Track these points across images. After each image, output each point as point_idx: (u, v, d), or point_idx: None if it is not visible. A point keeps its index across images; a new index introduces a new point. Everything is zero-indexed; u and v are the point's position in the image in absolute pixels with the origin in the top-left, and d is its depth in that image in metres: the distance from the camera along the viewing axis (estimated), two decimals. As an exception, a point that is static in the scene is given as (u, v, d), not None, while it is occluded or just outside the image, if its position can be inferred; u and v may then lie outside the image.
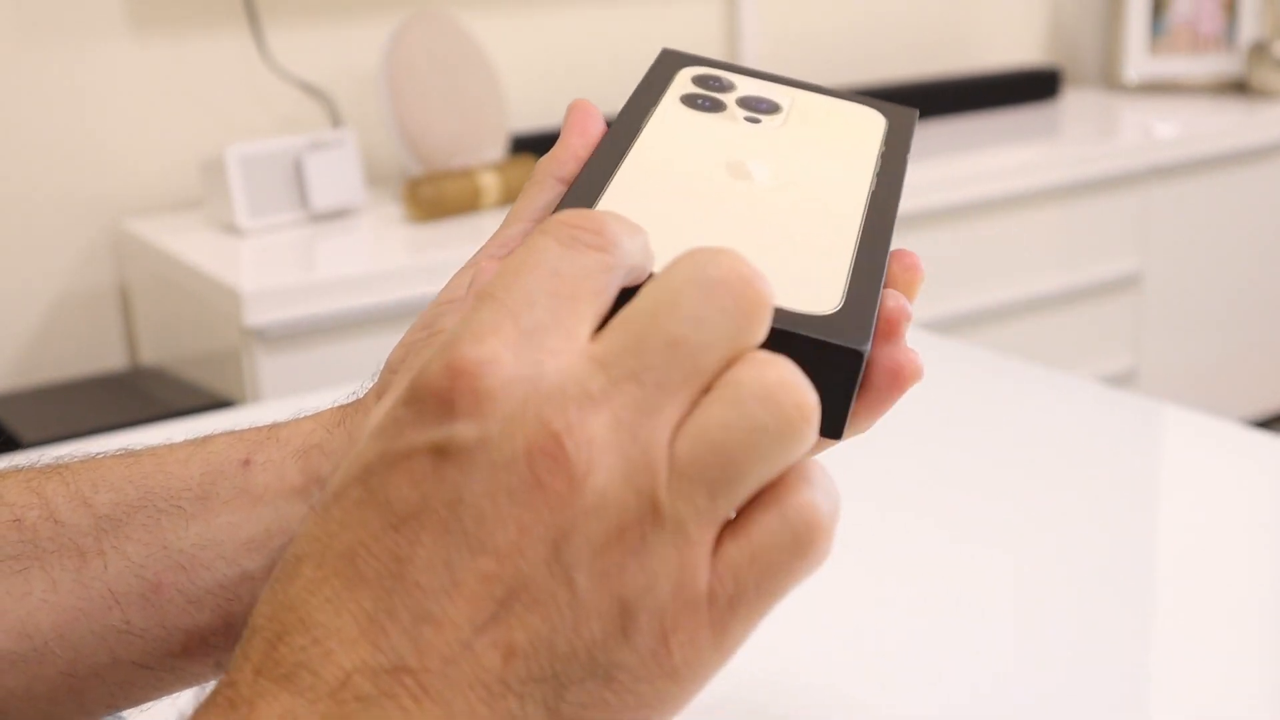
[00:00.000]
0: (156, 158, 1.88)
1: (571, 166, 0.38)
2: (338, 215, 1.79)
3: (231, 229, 1.72)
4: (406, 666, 0.28)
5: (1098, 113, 2.47)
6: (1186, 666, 0.66)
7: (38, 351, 1.84)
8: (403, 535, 0.28)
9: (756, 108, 0.42)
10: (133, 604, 0.40)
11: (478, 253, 0.40)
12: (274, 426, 0.42)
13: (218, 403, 1.53)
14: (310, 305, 1.52)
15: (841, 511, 0.30)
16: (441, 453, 0.28)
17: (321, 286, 1.54)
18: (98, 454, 0.44)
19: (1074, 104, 2.50)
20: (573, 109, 0.39)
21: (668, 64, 0.44)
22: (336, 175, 1.76)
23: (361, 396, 0.42)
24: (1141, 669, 0.66)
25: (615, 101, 1.95)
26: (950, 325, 2.01)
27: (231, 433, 0.43)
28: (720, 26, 2.28)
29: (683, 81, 0.43)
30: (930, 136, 2.24)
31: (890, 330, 0.35)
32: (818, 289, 0.33)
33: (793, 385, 0.28)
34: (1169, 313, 2.28)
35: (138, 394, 1.67)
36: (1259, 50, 2.48)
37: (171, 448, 0.43)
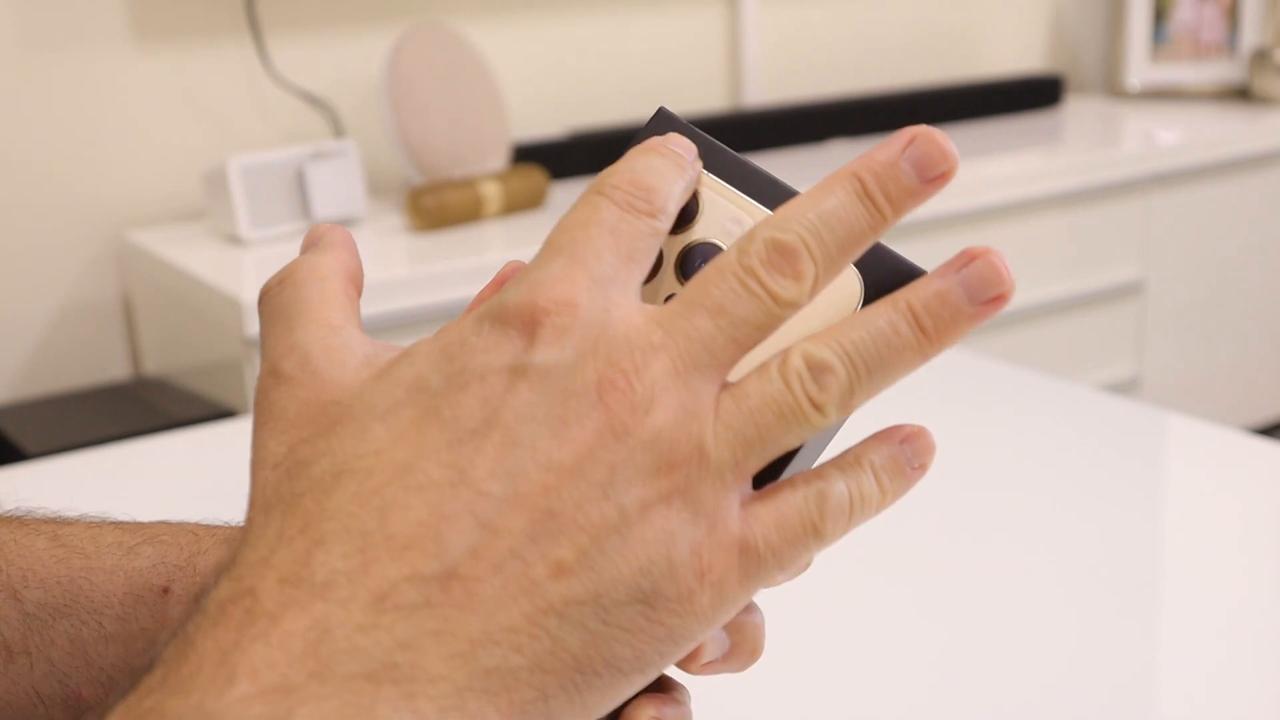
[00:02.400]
0: (159, 169, 1.88)
1: None
2: (340, 225, 1.78)
3: (234, 240, 1.73)
4: (458, 573, 0.29)
5: (1100, 120, 2.47)
6: (1189, 674, 0.66)
7: (41, 362, 1.85)
8: (468, 446, 0.30)
9: (694, 271, 0.35)
10: (55, 706, 0.42)
11: None
12: (195, 551, 0.43)
13: (220, 413, 1.53)
14: (313, 315, 1.52)
15: (866, 508, 0.33)
16: (520, 373, 0.30)
17: (324, 297, 1.54)
18: (31, 521, 0.45)
19: (1076, 111, 2.51)
20: (496, 278, 0.37)
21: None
22: (338, 186, 1.76)
23: None
24: (1144, 677, 0.66)
25: (614, 111, 1.95)
26: (953, 333, 2.01)
27: (158, 544, 0.44)
28: (722, 36, 2.28)
29: None
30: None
31: None
32: None
33: (808, 379, 0.31)
34: (1172, 320, 2.28)
35: (140, 404, 1.67)
36: (1261, 57, 2.48)
37: (99, 548, 0.44)
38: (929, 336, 0.32)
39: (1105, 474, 0.88)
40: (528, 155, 1.93)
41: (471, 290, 1.52)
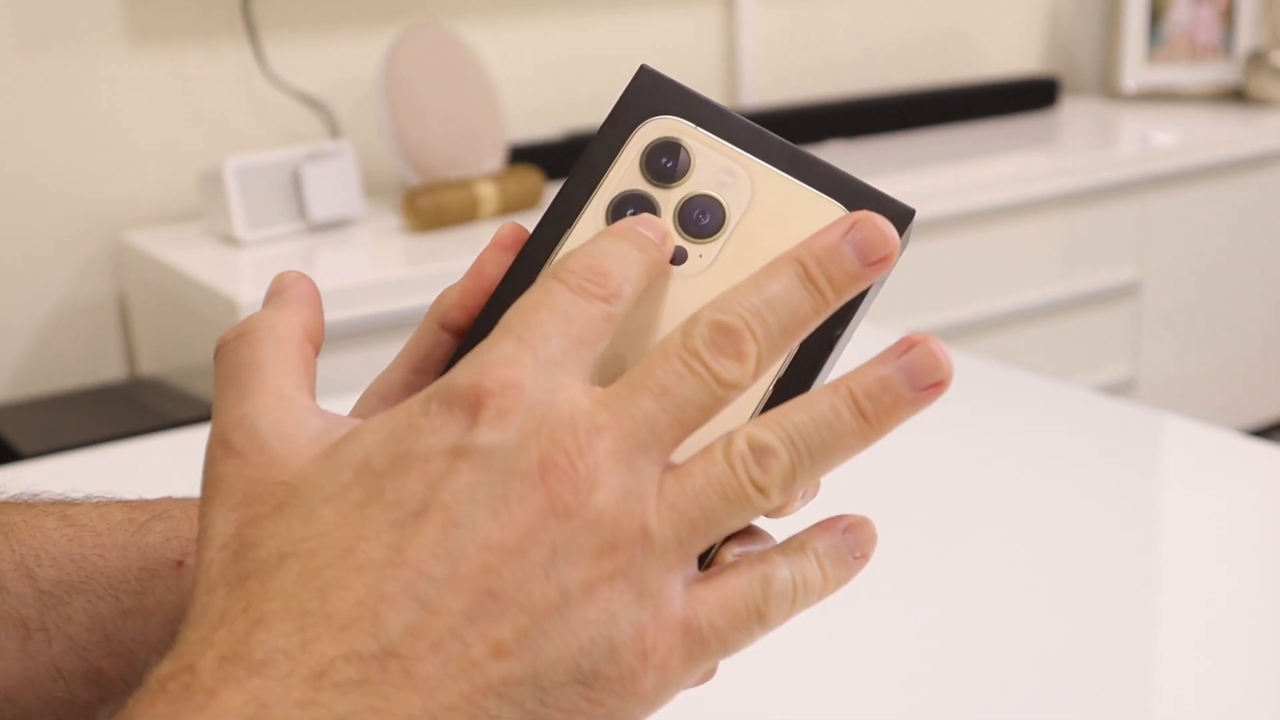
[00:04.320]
0: (155, 169, 1.88)
1: (456, 314, 0.38)
2: (336, 226, 1.79)
3: (230, 240, 1.72)
4: (396, 652, 0.29)
5: (1096, 122, 2.47)
6: (1186, 676, 0.66)
7: (37, 362, 1.84)
8: (410, 529, 0.30)
9: (694, 224, 0.37)
10: (76, 681, 0.42)
11: (358, 402, 0.39)
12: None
13: (216, 414, 1.53)
14: (309, 316, 1.52)
15: (810, 594, 0.33)
16: (462, 454, 0.30)
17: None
18: (38, 504, 0.45)
19: (1072, 113, 2.51)
20: (492, 240, 0.38)
21: (638, 103, 0.38)
22: (335, 186, 1.76)
23: None
24: (1138, 678, 0.66)
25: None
26: (948, 334, 2.01)
27: (168, 520, 0.44)
28: (719, 37, 2.28)
29: (632, 158, 0.37)
30: (929, 145, 2.25)
31: None
32: None
33: (750, 462, 0.32)
34: (1167, 322, 2.28)
35: (136, 405, 1.67)
36: (1256, 59, 2.49)
37: (110, 525, 0.44)
38: (870, 422, 0.32)
39: (1101, 475, 0.88)
40: (524, 156, 1.93)
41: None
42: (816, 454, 0.32)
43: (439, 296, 0.39)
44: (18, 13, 1.76)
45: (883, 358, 0.33)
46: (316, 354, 0.35)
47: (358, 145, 1.91)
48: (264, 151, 1.77)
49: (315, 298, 0.36)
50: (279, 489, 0.31)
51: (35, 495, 0.47)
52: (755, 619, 0.32)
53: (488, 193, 1.77)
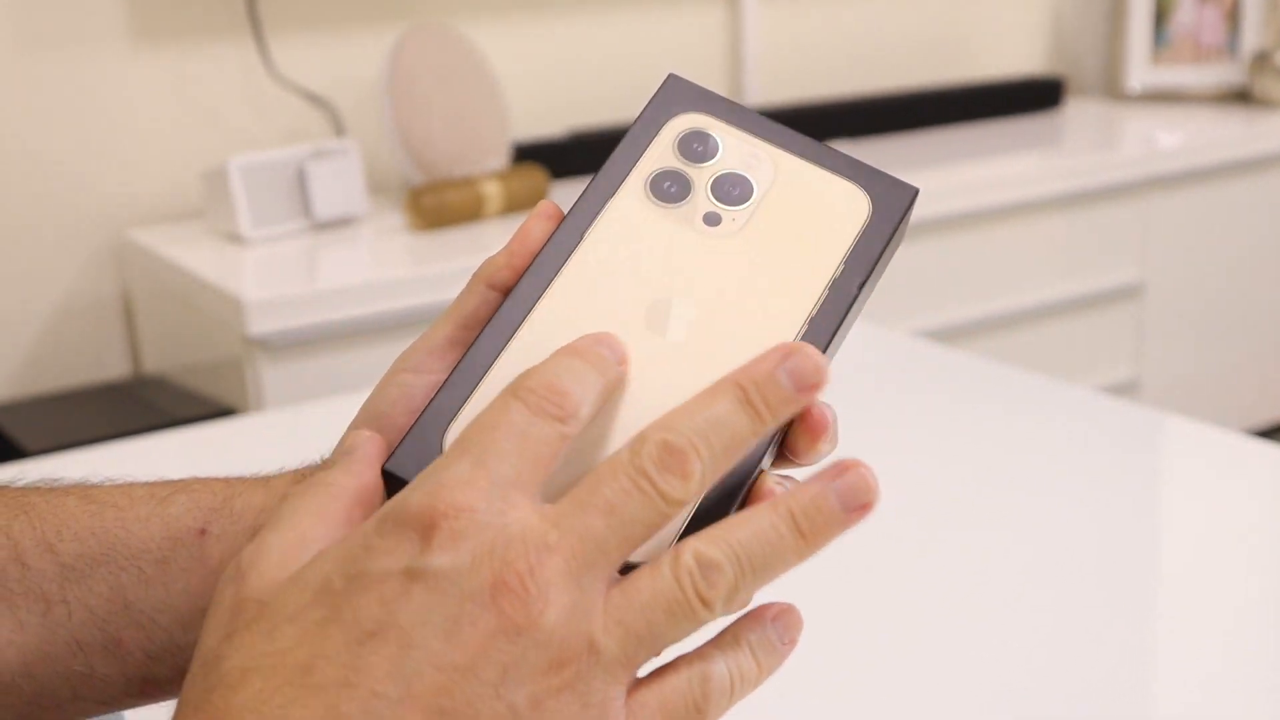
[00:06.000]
0: (159, 168, 1.88)
1: (505, 274, 0.40)
2: (340, 225, 1.79)
3: (234, 238, 1.73)
4: None
5: (1100, 122, 2.47)
6: (1187, 675, 0.66)
7: (41, 360, 1.85)
8: (365, 648, 0.31)
9: (727, 195, 0.41)
10: (95, 653, 0.43)
11: (402, 358, 0.42)
12: (229, 495, 0.45)
13: (220, 411, 1.53)
14: (312, 314, 1.52)
15: (746, 685, 0.35)
16: (415, 577, 0.32)
17: (324, 296, 1.54)
18: (60, 486, 0.46)
19: (1076, 114, 2.51)
20: (533, 212, 0.41)
21: (667, 103, 0.43)
22: (339, 185, 1.76)
23: (311, 473, 0.45)
24: (1143, 678, 0.66)
25: (614, 111, 1.95)
26: (951, 335, 2.01)
27: (190, 492, 0.45)
28: (722, 36, 2.28)
29: (665, 144, 0.42)
30: (933, 146, 2.24)
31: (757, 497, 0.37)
32: None
33: (698, 577, 0.33)
34: (1171, 323, 2.28)
35: (140, 403, 1.67)
36: (1261, 60, 2.49)
37: (132, 500, 0.45)
38: (806, 539, 0.34)
39: (1104, 476, 0.88)
40: (528, 155, 1.94)
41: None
42: (759, 569, 0.34)
43: (484, 263, 0.41)
44: (23, 12, 1.76)
45: (819, 479, 0.35)
46: (367, 516, 0.37)
47: (362, 143, 1.91)
48: (268, 150, 1.77)
49: (381, 458, 0.38)
50: (254, 605, 0.33)
51: (55, 480, 0.47)
52: (695, 715, 0.34)
53: (492, 191, 1.77)
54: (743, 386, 0.34)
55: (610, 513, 0.33)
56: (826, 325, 0.39)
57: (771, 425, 0.35)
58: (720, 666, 0.34)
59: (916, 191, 0.41)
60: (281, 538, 0.35)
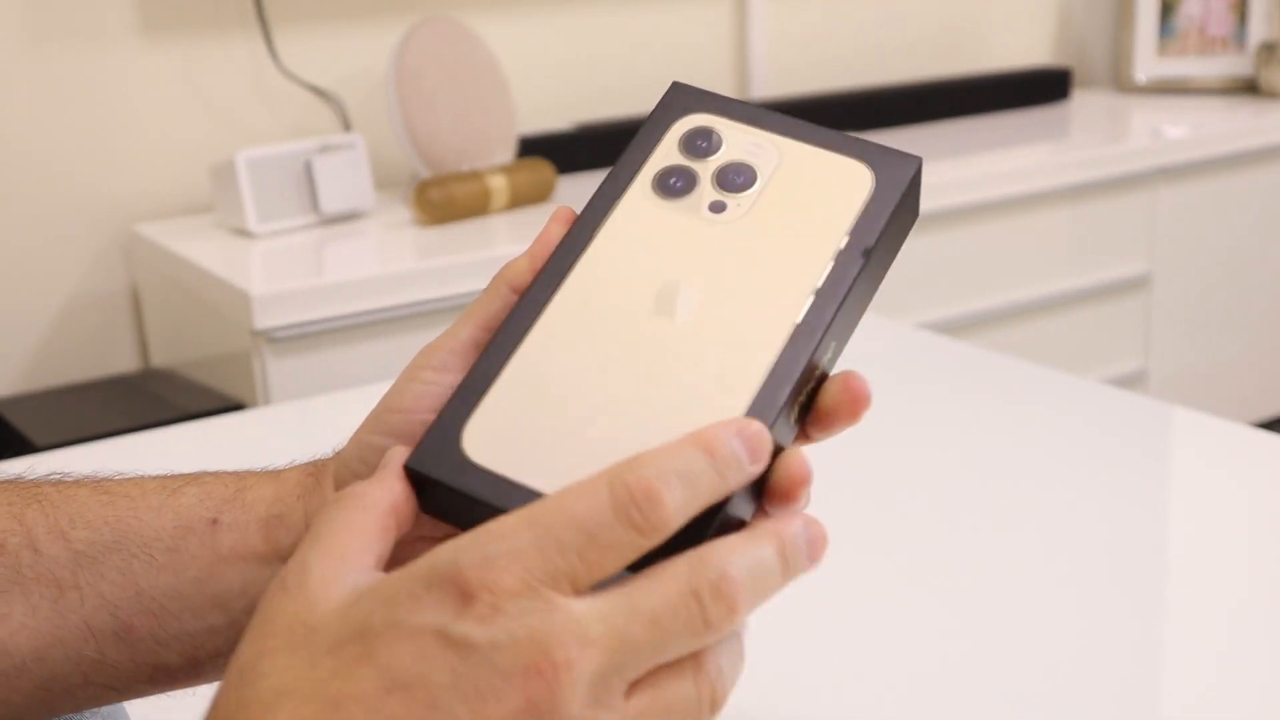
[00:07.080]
0: (167, 162, 1.88)
1: (526, 276, 0.41)
2: (347, 219, 1.79)
3: (242, 232, 1.73)
4: None
5: (1107, 114, 2.47)
6: (1194, 667, 0.66)
7: (49, 354, 1.85)
8: (394, 698, 0.32)
9: (731, 183, 0.42)
10: (106, 639, 0.44)
11: (423, 355, 0.42)
12: (240, 486, 0.46)
13: (228, 405, 1.54)
14: (320, 308, 1.52)
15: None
16: (450, 641, 0.33)
17: (331, 290, 1.54)
18: (71, 479, 0.47)
19: (1083, 105, 2.50)
20: (551, 216, 0.42)
21: (671, 107, 0.44)
22: (346, 179, 1.76)
23: (321, 467, 0.45)
24: (1149, 669, 0.66)
25: (621, 105, 1.94)
26: (959, 327, 2.01)
27: (201, 484, 0.46)
28: (729, 29, 2.28)
29: (672, 143, 0.43)
30: (940, 138, 2.24)
31: (783, 497, 0.38)
32: None
33: (723, 688, 0.35)
34: (1179, 314, 2.28)
35: (149, 396, 1.68)
36: (1268, 51, 2.48)
37: (144, 490, 0.46)
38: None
39: (1112, 468, 0.88)
40: (535, 149, 1.93)
41: (478, 285, 1.52)
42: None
43: (505, 266, 0.42)
44: (30, 6, 1.76)
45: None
46: (402, 526, 0.38)
47: (369, 138, 1.91)
48: (275, 144, 1.77)
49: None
50: (300, 628, 0.34)
51: (66, 474, 0.48)
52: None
53: (498, 185, 1.77)
54: (782, 537, 0.36)
55: (654, 625, 0.34)
56: (833, 296, 0.39)
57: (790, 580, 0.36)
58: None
59: (920, 161, 0.42)
60: (321, 555, 0.36)
